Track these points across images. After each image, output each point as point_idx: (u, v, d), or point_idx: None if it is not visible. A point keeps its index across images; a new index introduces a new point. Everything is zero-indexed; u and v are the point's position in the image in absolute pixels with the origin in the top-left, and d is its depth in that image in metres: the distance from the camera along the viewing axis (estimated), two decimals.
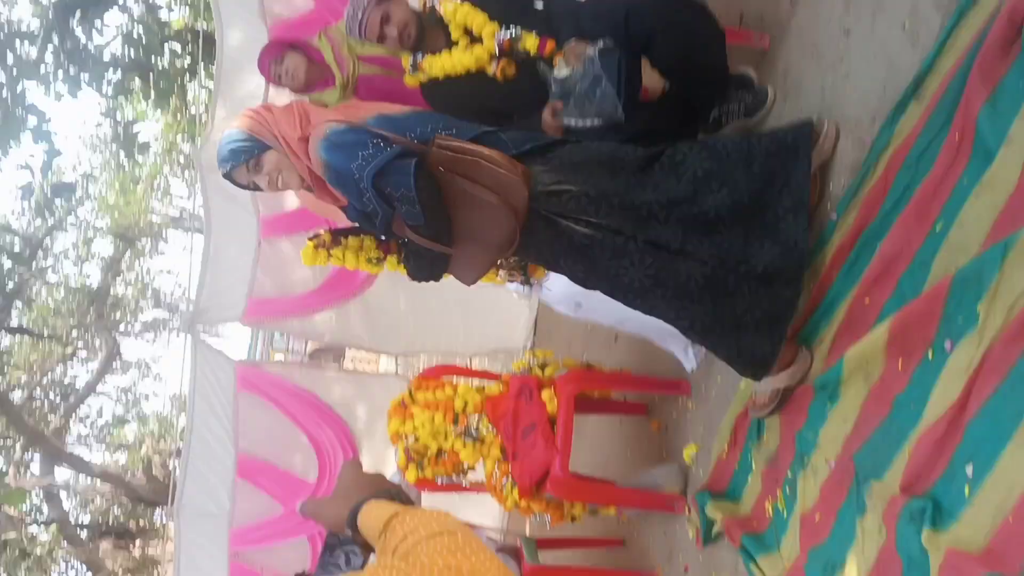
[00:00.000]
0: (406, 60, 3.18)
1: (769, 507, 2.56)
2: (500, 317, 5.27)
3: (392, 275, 4.10)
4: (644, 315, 2.99)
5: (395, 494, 1.28)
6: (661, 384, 3.48)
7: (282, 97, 3.73)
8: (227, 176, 2.72)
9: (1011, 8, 1.91)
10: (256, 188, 2.81)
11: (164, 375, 17.03)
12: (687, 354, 3.22)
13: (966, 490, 1.83)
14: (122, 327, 15.71)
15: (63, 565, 14.00)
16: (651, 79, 2.86)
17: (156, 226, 15.12)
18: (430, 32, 3.08)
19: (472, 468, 3.79)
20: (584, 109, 2.83)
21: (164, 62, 9.86)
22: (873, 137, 2.36)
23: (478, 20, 2.96)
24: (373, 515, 1.19)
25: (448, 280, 2.94)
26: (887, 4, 2.37)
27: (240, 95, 4.16)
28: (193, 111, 10.96)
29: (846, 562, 2.17)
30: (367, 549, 1.26)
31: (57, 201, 13.03)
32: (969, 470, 1.82)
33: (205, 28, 5.76)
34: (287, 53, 3.50)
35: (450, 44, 3.05)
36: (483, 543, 0.99)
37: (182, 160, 13.07)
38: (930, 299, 2.00)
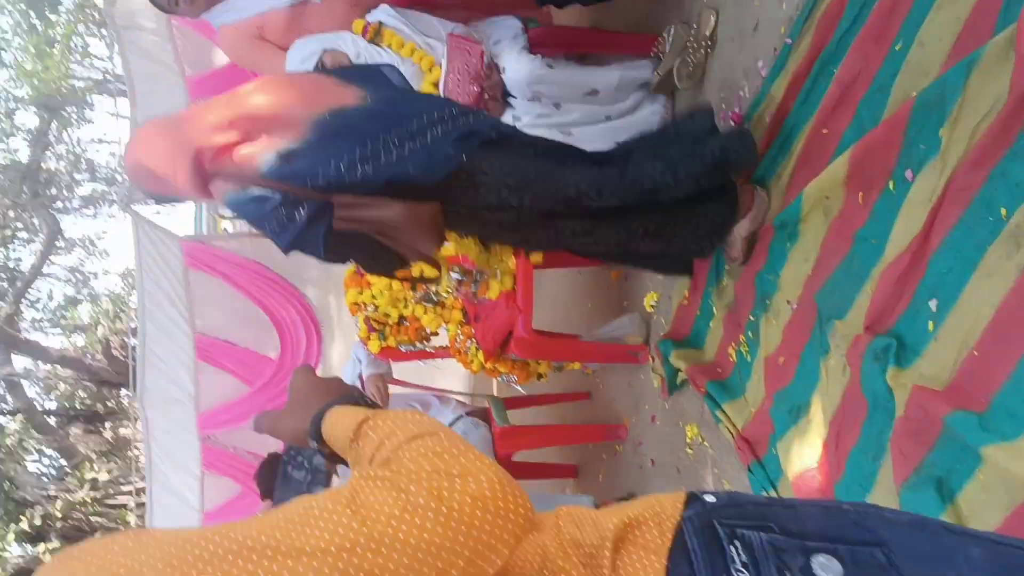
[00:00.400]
0: None
1: (732, 352, 2.50)
2: None
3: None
4: None
5: (357, 398, 1.18)
6: None
7: None
8: None
9: None
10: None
11: (111, 250, 16.45)
12: None
13: (930, 325, 1.76)
14: (59, 204, 15.18)
15: (35, 455, 14.07)
16: None
17: (80, 91, 14.32)
18: None
19: (435, 333, 3.71)
20: None
21: None
22: None
23: None
24: (340, 422, 1.09)
25: None
26: None
27: None
28: None
29: (811, 403, 2.12)
30: (335, 460, 1.17)
31: None
32: (933, 305, 1.75)
33: None
34: None
35: None
36: (466, 442, 0.90)
37: (97, 16, 12.25)
38: (890, 127, 1.87)
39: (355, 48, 2.95)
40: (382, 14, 2.96)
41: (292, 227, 2.11)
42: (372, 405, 1.15)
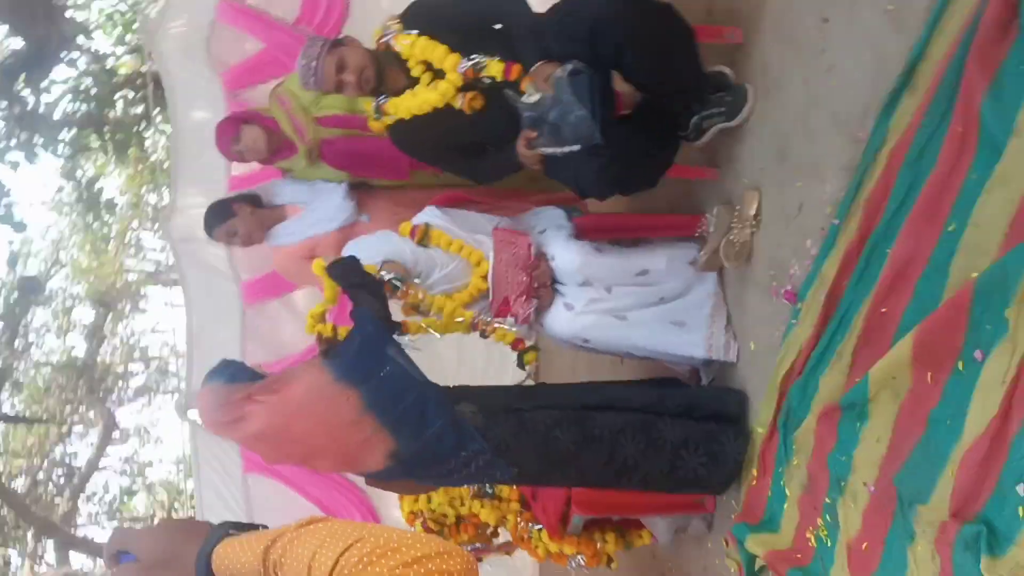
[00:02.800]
0: (368, 105, 3.05)
1: (811, 537, 2.41)
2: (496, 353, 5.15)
3: None
4: (651, 341, 2.86)
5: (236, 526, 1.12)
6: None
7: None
8: None
9: None
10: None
11: (164, 438, 16.54)
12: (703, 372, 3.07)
13: (1020, 511, 1.69)
14: (115, 395, 15.48)
15: None
16: (624, 88, 2.72)
17: (133, 284, 14.90)
18: (389, 72, 2.93)
19: (495, 528, 3.63)
20: (559, 136, 2.69)
21: (117, 111, 9.66)
22: (867, 133, 2.22)
23: (438, 53, 2.81)
24: (237, 554, 1.03)
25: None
26: None
27: (201, 163, 4.01)
28: (153, 158, 10.78)
29: None
30: None
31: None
32: (1020, 489, 1.69)
33: (154, 69, 5.53)
34: (243, 128, 3.39)
35: (412, 82, 2.90)
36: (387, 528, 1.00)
37: (150, 212, 12.89)
38: (953, 307, 1.86)
39: (409, 250, 3.01)
40: (428, 216, 3.06)
41: None
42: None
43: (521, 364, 3.08)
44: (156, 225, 12.54)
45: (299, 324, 4.15)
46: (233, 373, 2.61)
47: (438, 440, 2.60)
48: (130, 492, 16.80)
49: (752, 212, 2.72)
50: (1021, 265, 1.68)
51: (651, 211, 3.31)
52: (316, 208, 3.42)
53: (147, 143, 10.38)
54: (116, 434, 15.34)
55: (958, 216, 1.92)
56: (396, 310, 2.94)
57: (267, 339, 4.22)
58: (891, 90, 2.12)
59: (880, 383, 2.10)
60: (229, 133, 3.40)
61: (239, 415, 2.54)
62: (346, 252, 3.09)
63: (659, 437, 2.69)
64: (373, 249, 3.06)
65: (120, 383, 15.83)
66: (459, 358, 4.74)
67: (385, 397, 2.59)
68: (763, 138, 2.72)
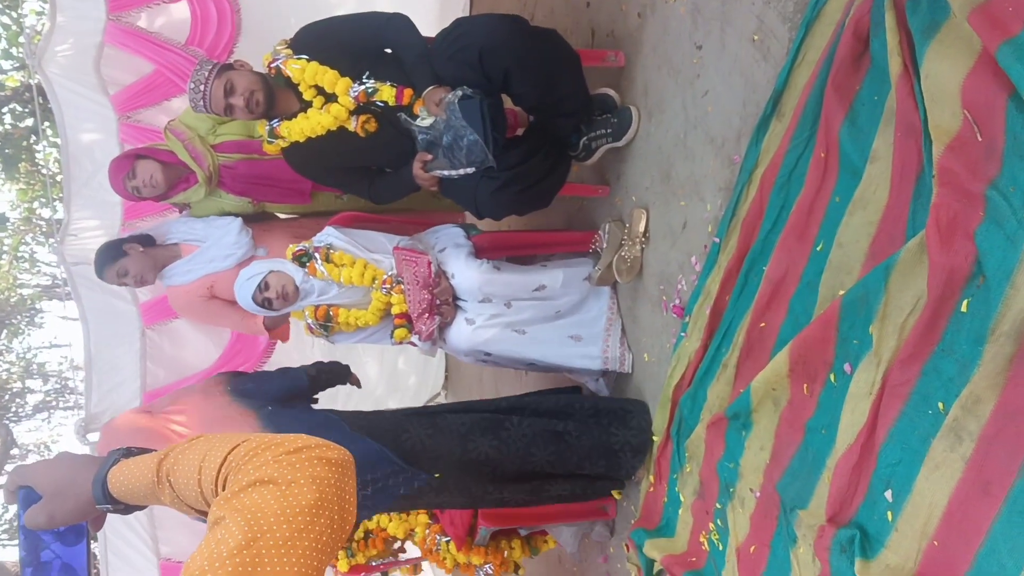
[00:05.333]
0: (261, 128, 3.03)
1: (704, 541, 2.52)
2: (414, 366, 5.23)
3: (295, 341, 3.96)
4: (549, 355, 2.95)
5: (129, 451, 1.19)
6: None
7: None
8: None
9: (855, 21, 1.89)
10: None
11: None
12: (598, 384, 3.16)
13: (888, 515, 1.81)
14: (12, 412, 14.97)
15: None
16: (517, 107, 2.79)
17: (28, 299, 14.40)
18: (281, 95, 2.93)
19: (403, 541, 3.66)
20: (454, 159, 2.74)
21: (6, 125, 9.36)
22: (741, 156, 2.33)
23: (328, 77, 2.82)
24: (132, 473, 1.10)
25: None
26: (733, 17, 2.34)
27: (93, 186, 3.93)
28: (45, 172, 10.47)
29: None
30: (130, 511, 1.19)
31: None
32: (888, 495, 1.81)
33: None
34: (136, 164, 3.32)
35: (305, 105, 2.91)
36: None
37: (43, 226, 12.50)
38: (823, 323, 1.98)
39: (299, 272, 3.05)
40: (329, 237, 3.08)
41: None
42: None
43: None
44: (50, 240, 12.17)
45: (202, 343, 4.13)
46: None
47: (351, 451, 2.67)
48: None
49: (641, 229, 2.82)
50: (880, 286, 1.80)
51: (546, 228, 3.39)
52: (211, 245, 3.37)
53: (38, 156, 10.05)
54: (15, 451, 14.83)
55: (825, 236, 2.04)
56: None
57: (168, 360, 4.16)
58: (760, 116, 2.23)
59: (761, 394, 2.21)
60: (123, 170, 3.31)
61: None
62: (238, 281, 3.10)
63: (567, 447, 2.79)
64: (263, 264, 3.08)
65: (17, 400, 15.35)
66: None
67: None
68: (648, 158, 2.82)
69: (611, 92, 2.96)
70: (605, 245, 2.94)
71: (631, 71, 2.94)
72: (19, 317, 14.46)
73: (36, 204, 11.70)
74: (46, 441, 16.57)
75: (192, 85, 2.85)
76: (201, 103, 2.86)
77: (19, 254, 13.51)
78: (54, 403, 15.78)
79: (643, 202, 2.85)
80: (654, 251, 2.81)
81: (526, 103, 2.80)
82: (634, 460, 2.84)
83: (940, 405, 1.68)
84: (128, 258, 3.40)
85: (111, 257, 3.42)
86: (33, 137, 9.25)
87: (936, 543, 1.68)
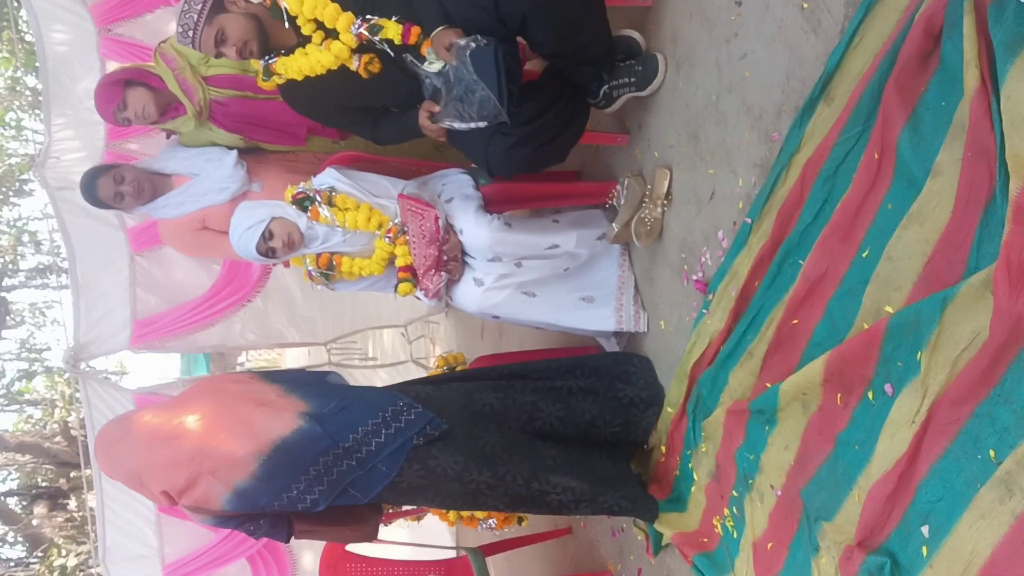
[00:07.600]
0: (256, 64, 2.80)
1: (718, 524, 2.47)
2: None
3: (294, 271, 3.84)
4: (561, 318, 2.84)
5: None
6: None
7: None
8: None
9: (927, 17, 1.69)
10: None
11: (62, 320, 16.13)
12: (610, 343, 3.05)
13: (923, 551, 1.74)
14: (4, 279, 14.96)
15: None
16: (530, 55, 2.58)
17: (16, 168, 14.07)
18: (276, 30, 2.69)
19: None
20: (464, 113, 2.53)
21: None
22: (781, 135, 2.15)
23: (329, 11, 2.58)
24: None
25: None
26: None
27: (76, 95, 3.69)
28: (29, 38, 10.04)
29: None
30: None
31: None
32: (925, 531, 1.74)
33: None
34: (127, 94, 3.08)
35: (303, 40, 2.67)
36: None
37: (28, 96, 12.07)
38: (866, 340, 1.86)
39: (302, 218, 2.88)
40: (331, 179, 2.89)
41: (256, 534, 2.65)
42: None
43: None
44: (36, 111, 11.80)
45: (194, 270, 3.98)
46: None
47: (361, 398, 2.65)
48: (29, 374, 16.58)
49: (663, 190, 2.65)
50: (934, 316, 1.67)
51: (559, 173, 3.19)
52: (205, 178, 3.17)
53: (21, 24, 9.56)
54: (8, 319, 14.93)
55: (872, 243, 1.89)
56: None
57: (160, 286, 4.01)
58: (807, 97, 2.04)
59: (791, 396, 2.11)
60: (113, 100, 3.08)
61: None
62: (235, 216, 2.93)
63: (575, 402, 2.73)
64: (263, 208, 2.91)
65: (9, 267, 15.34)
66: None
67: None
68: (674, 113, 2.62)
69: (636, 35, 2.72)
70: (623, 202, 2.77)
71: (658, 13, 2.69)
72: (6, 187, 14.19)
73: (20, 72, 11.24)
74: (40, 306, 16.71)
75: (180, 28, 2.62)
76: (190, 43, 2.63)
77: (6, 122, 13.13)
78: (48, 269, 15.78)
79: (666, 161, 2.67)
80: (676, 216, 2.64)
81: (544, 50, 2.57)
82: (648, 414, 2.76)
83: (992, 453, 1.59)
84: (124, 166, 3.24)
85: (104, 169, 3.26)
86: (16, 2, 8.75)
87: None
